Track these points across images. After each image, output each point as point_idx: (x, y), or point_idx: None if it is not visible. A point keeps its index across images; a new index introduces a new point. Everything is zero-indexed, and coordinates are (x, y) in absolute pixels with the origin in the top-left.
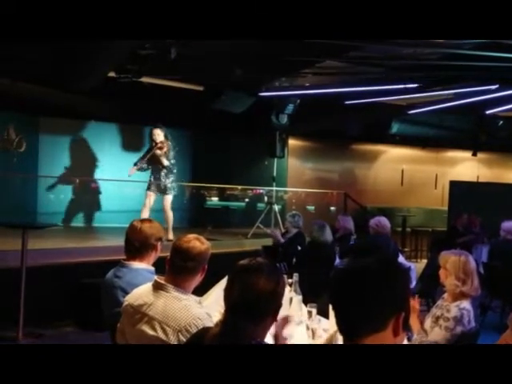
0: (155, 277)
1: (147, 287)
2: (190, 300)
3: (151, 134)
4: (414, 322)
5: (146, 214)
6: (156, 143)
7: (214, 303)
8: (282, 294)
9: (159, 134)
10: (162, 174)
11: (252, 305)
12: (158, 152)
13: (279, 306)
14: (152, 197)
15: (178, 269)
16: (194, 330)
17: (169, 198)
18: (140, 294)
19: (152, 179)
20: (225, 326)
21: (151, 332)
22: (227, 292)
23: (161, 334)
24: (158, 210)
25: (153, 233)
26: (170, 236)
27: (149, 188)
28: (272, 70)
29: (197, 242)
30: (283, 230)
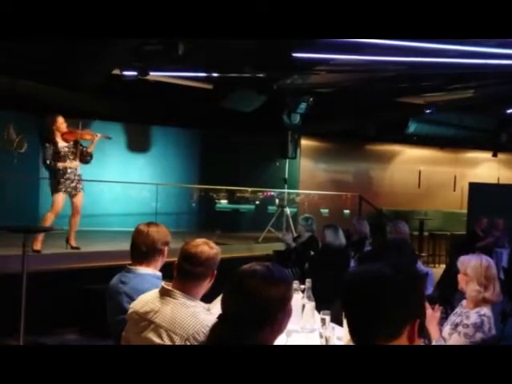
0: (162, 283)
1: (154, 293)
2: (198, 307)
3: (52, 122)
4: (433, 329)
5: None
6: (63, 133)
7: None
8: (287, 299)
9: (62, 123)
10: (74, 168)
11: (247, 314)
12: (97, 137)
13: (282, 316)
14: (62, 199)
15: (185, 274)
16: (202, 338)
17: (82, 197)
18: (146, 300)
19: (61, 174)
20: (219, 337)
21: (157, 340)
22: (224, 301)
23: (167, 342)
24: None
25: (160, 237)
26: (74, 242)
27: (58, 189)
28: (283, 67)
29: (205, 247)
30: (295, 234)
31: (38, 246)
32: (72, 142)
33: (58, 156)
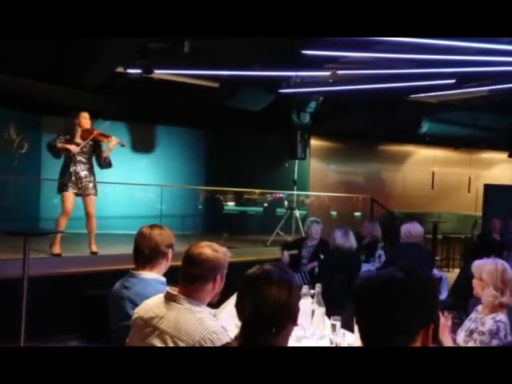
0: (167, 288)
1: (158, 298)
2: (205, 312)
3: (76, 117)
4: (445, 339)
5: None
6: (83, 129)
7: (229, 316)
8: (297, 299)
9: (85, 118)
10: (86, 169)
11: (268, 317)
12: (113, 142)
13: (297, 311)
14: (72, 199)
15: (187, 277)
16: (208, 345)
17: (94, 200)
18: (151, 305)
19: (72, 174)
20: (243, 342)
21: (162, 346)
22: (239, 306)
23: None
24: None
25: (163, 239)
26: (95, 248)
27: (66, 188)
28: (292, 65)
29: (207, 249)
30: (304, 236)
31: (56, 249)
32: (90, 144)
33: (69, 153)
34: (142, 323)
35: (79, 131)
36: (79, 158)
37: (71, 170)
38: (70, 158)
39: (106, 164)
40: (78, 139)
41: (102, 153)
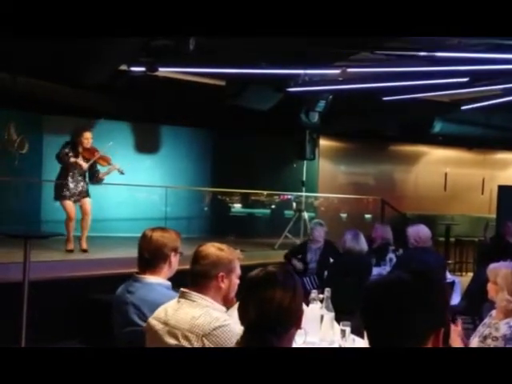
0: (181, 288)
1: (173, 302)
2: (214, 307)
3: (78, 134)
4: (457, 344)
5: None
6: (84, 148)
7: (236, 321)
8: (301, 301)
9: (86, 139)
10: (80, 182)
11: (273, 320)
12: (113, 168)
13: (301, 314)
14: (72, 205)
15: (191, 276)
16: (219, 333)
17: (90, 200)
18: (165, 308)
19: (70, 184)
20: (246, 345)
21: (173, 341)
22: (242, 309)
23: (184, 343)
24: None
25: (165, 242)
26: (86, 245)
27: (65, 196)
28: (300, 63)
29: (210, 247)
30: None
31: (70, 246)
32: (87, 163)
33: (67, 164)
34: (156, 323)
35: (81, 150)
36: (75, 173)
37: (68, 183)
38: (66, 172)
39: (97, 182)
40: (79, 159)
41: (96, 172)
